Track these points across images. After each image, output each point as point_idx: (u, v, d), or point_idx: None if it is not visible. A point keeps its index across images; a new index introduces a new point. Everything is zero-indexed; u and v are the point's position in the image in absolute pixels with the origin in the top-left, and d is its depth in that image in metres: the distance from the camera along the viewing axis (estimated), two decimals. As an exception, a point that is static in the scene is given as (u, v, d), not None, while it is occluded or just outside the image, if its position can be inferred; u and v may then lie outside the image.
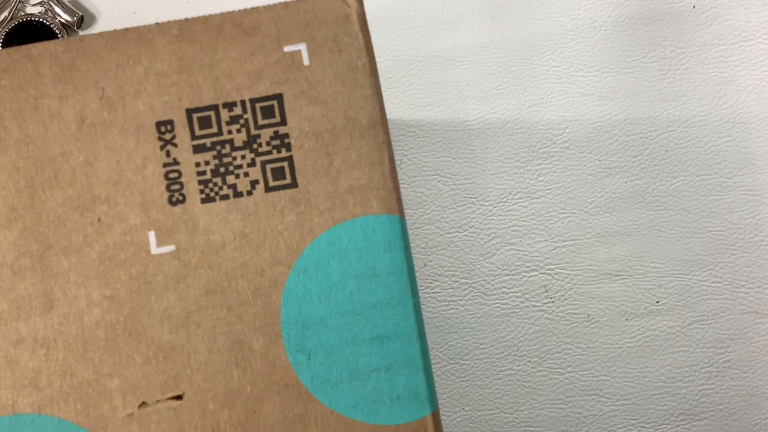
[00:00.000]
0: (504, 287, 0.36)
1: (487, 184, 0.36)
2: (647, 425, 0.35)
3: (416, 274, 0.36)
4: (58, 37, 0.37)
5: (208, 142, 0.22)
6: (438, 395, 0.36)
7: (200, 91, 0.22)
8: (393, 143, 0.37)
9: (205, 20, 0.22)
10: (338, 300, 0.21)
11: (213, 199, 0.22)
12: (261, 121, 0.22)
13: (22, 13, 0.38)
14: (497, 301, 0.36)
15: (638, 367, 0.35)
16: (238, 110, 0.22)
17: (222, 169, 0.22)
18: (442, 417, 0.36)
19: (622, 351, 0.35)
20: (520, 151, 0.36)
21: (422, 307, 0.36)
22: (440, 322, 0.36)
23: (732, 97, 0.36)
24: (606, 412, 0.35)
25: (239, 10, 0.22)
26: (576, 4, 0.37)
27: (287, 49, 0.22)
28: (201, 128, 0.22)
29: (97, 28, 0.38)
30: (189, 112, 0.22)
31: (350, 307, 0.21)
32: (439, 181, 0.36)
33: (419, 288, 0.36)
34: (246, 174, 0.22)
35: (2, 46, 0.38)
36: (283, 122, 0.22)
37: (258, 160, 0.22)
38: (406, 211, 0.36)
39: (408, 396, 0.21)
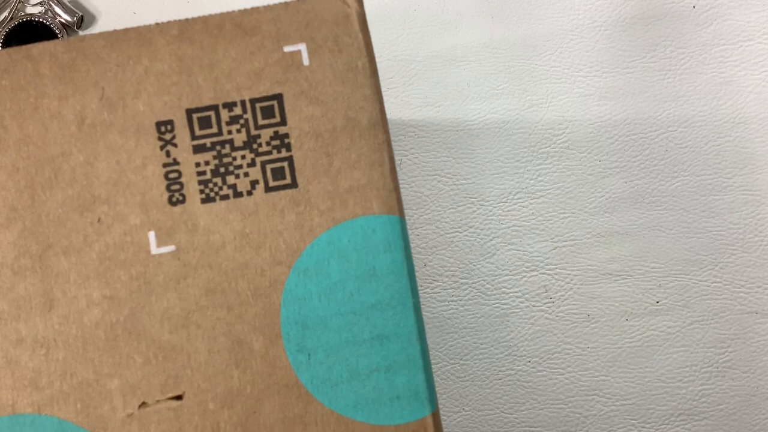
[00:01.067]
0: (504, 287, 0.36)
1: (487, 184, 0.36)
2: (647, 425, 0.35)
3: (416, 274, 0.36)
4: (58, 37, 0.37)
5: (208, 142, 0.22)
6: (438, 395, 0.36)
7: (200, 91, 0.22)
8: (393, 143, 0.37)
9: (205, 20, 0.22)
10: (338, 300, 0.21)
11: (213, 199, 0.22)
12: (261, 121, 0.22)
13: (22, 13, 0.38)
14: (497, 301, 0.36)
15: (638, 367, 0.35)
16: (238, 110, 0.22)
17: (222, 169, 0.22)
18: (442, 417, 0.36)
19: (622, 351, 0.35)
20: (520, 151, 0.36)
21: (422, 307, 0.36)
22: (440, 322, 0.36)
23: (732, 97, 0.36)
24: (606, 412, 0.35)
25: (239, 10, 0.22)
26: (576, 4, 0.37)
27: (287, 49, 0.22)
28: (201, 128, 0.22)
29: (97, 28, 0.38)
30: (189, 112, 0.22)
31: (350, 308, 0.21)
32: (439, 181, 0.36)
33: (419, 288, 0.36)
34: (246, 174, 0.22)
35: (2, 46, 0.38)
36: (283, 122, 0.22)
37: (258, 160, 0.22)
38: (406, 211, 0.36)
39: (408, 396, 0.21)
